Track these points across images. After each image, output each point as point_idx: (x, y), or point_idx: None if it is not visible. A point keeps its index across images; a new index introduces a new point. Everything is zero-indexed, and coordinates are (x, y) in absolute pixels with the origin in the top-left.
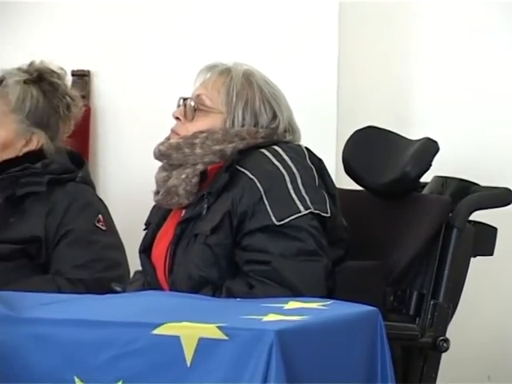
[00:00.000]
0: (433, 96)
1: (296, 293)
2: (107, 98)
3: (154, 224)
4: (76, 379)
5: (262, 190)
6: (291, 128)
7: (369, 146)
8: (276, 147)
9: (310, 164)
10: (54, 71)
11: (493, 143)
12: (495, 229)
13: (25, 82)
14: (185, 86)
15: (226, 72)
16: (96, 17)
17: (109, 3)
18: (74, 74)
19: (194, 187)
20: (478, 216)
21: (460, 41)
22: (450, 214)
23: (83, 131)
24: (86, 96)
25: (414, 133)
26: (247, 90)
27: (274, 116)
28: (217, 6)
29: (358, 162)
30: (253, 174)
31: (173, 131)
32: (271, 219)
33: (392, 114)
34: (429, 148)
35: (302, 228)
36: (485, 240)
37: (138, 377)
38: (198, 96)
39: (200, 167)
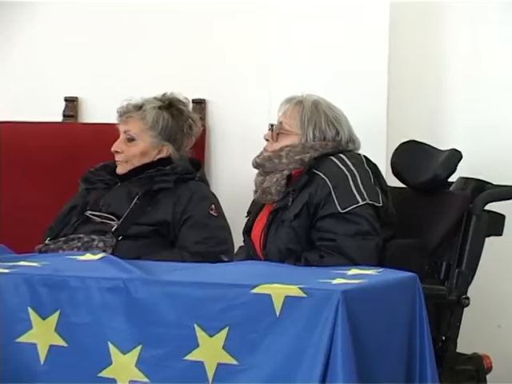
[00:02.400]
0: (460, 113)
1: (354, 262)
2: (219, 120)
3: (253, 213)
4: (195, 325)
5: (330, 186)
6: (352, 139)
7: (410, 155)
8: (341, 155)
9: (367, 168)
10: (180, 100)
11: (505, 152)
12: (503, 216)
13: (159, 107)
14: (274, 111)
15: (299, 103)
16: (211, 57)
17: (219, 45)
18: (194, 101)
19: (283, 187)
20: (491, 206)
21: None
22: (471, 205)
23: (201, 144)
24: (203, 118)
25: (445, 142)
26: (315, 115)
27: (337, 132)
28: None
29: (403, 166)
30: (324, 175)
31: (264, 149)
32: (337, 208)
33: (428, 128)
34: (455, 156)
35: (359, 215)
36: (496, 224)
37: (239, 324)
38: (280, 123)
39: (286, 172)
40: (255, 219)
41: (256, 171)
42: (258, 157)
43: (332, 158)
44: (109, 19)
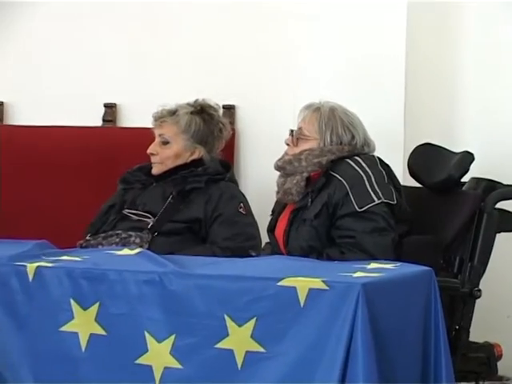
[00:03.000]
0: (473, 118)
1: (372, 257)
2: (247, 124)
3: (276, 212)
4: (225, 316)
5: (347, 187)
6: (367, 143)
7: (426, 157)
8: (357, 157)
9: (381, 168)
10: (211, 105)
11: None
12: None
13: (191, 112)
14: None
15: (317, 110)
16: (241, 67)
17: (248, 56)
18: (224, 107)
19: (302, 188)
20: (501, 205)
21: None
22: (482, 204)
23: (230, 146)
24: (232, 122)
25: (458, 144)
26: (332, 121)
27: (353, 137)
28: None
29: (419, 167)
30: (341, 177)
31: (285, 152)
32: (355, 207)
33: (442, 131)
34: (467, 158)
35: (375, 212)
36: (506, 221)
37: (266, 315)
38: (300, 129)
39: (305, 174)
40: (278, 218)
41: (278, 173)
42: (279, 160)
43: (348, 160)
44: (145, 30)
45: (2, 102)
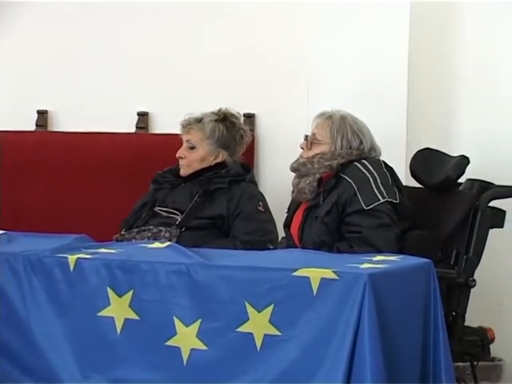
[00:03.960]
0: (469, 125)
1: (378, 250)
2: (266, 131)
3: (291, 210)
4: (246, 303)
5: (355, 187)
6: (374, 148)
7: (425, 160)
8: (364, 161)
9: (385, 171)
10: (233, 114)
11: (506, 156)
12: (504, 211)
13: (215, 120)
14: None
15: (329, 118)
16: (260, 79)
17: (267, 69)
18: (245, 115)
19: (315, 188)
20: (494, 203)
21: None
22: (476, 203)
23: (250, 151)
24: (252, 129)
25: (455, 149)
26: (343, 128)
27: (361, 142)
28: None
29: (419, 170)
30: (350, 178)
31: (300, 155)
32: (362, 205)
33: (441, 137)
34: (463, 161)
35: (381, 210)
36: (498, 218)
37: (283, 302)
38: (313, 134)
39: (318, 176)
40: (293, 215)
41: (293, 174)
42: (294, 162)
43: (356, 163)
44: (174, 47)
45: (47, 111)
